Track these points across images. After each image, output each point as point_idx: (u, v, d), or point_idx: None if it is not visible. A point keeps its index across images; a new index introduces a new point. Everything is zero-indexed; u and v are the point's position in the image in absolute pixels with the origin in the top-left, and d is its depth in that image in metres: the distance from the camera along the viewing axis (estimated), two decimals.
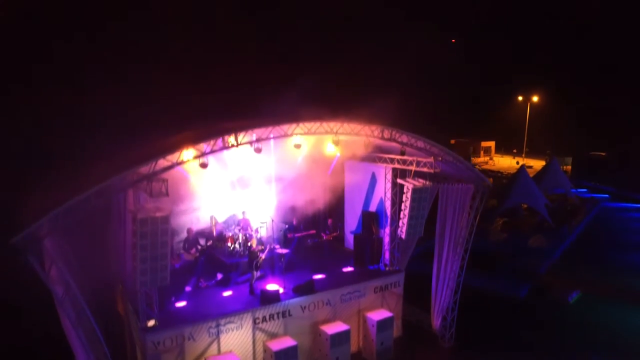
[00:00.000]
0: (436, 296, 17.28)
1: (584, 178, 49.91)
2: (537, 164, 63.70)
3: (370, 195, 18.18)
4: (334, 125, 12.67)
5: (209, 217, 17.71)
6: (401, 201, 16.03)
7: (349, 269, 17.38)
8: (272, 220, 17.46)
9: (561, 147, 68.53)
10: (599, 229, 32.98)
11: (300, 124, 12.04)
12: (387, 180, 17.07)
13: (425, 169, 15.29)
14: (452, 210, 16.84)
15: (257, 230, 17.41)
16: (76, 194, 9.71)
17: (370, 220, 17.85)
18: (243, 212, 17.63)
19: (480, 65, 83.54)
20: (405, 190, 15.63)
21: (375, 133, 13.50)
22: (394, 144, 14.51)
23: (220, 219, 17.90)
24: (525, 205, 33.85)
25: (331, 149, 14.68)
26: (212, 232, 17.65)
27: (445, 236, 16.87)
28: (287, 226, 18.35)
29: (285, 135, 12.06)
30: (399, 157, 15.67)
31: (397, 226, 16.46)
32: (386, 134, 13.80)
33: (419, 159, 15.25)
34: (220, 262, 16.41)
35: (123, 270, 13.56)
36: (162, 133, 14.51)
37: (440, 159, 14.93)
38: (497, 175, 57.52)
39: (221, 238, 17.16)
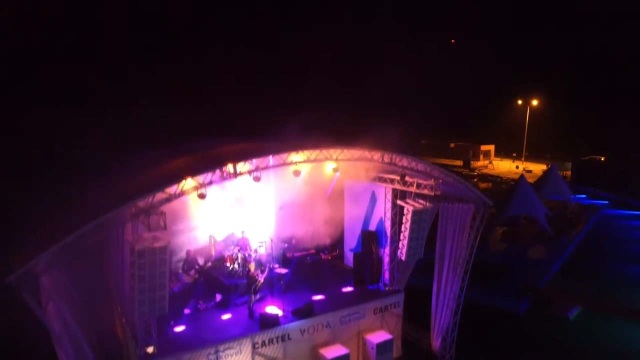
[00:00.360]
0: (436, 316, 17.20)
1: (584, 184, 49.84)
2: (537, 167, 63.70)
3: (370, 214, 18.07)
4: (333, 151, 12.56)
5: (207, 236, 17.61)
6: (401, 222, 15.94)
7: (349, 289, 17.28)
8: (271, 240, 17.35)
9: (561, 150, 68.64)
10: (598, 239, 32.92)
11: (300, 152, 11.92)
12: (387, 200, 16.95)
13: (425, 191, 15.17)
14: (452, 230, 16.74)
15: (255, 250, 17.32)
16: (72, 229, 9.58)
17: (370, 239, 17.75)
18: (242, 232, 17.53)
19: (480, 68, 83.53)
20: (405, 212, 15.54)
21: (375, 158, 13.40)
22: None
23: (219, 237, 17.80)
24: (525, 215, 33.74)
25: (331, 169, 14.58)
26: (211, 251, 17.56)
27: (445, 256, 16.77)
28: (286, 245, 18.25)
29: (285, 164, 11.95)
30: (399, 177, 15.55)
31: (397, 247, 16.36)
32: (386, 158, 13.70)
33: (419, 180, 15.14)
34: (219, 283, 16.30)
35: (122, 294, 13.44)
36: (159, 156, 14.40)
37: (440, 181, 14.82)
38: (496, 180, 57.46)
39: (220, 258, 17.06)
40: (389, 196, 16.75)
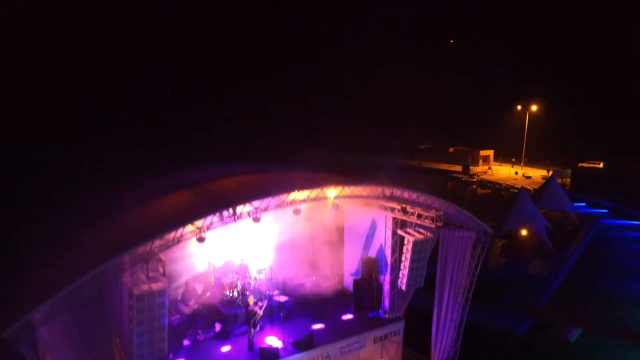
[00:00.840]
0: (436, 344, 17.10)
1: (583, 192, 49.84)
2: (536, 173, 63.71)
3: (370, 240, 17.95)
4: (333, 189, 12.44)
5: (205, 263, 17.48)
6: (401, 251, 15.84)
7: (349, 316, 17.17)
8: (271, 268, 17.24)
9: (560, 156, 68.63)
10: (598, 253, 32.85)
11: (299, 192, 11.80)
12: (387, 229, 16.81)
13: (427, 222, 15.06)
14: (452, 258, 16.63)
15: (255, 278, 17.20)
16: (70, 278, 9.46)
17: (370, 266, 17.62)
18: (241, 259, 17.41)
19: (479, 72, 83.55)
20: (405, 242, 15.44)
21: (376, 192, 13.28)
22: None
23: (218, 264, 17.68)
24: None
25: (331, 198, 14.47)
26: (210, 278, 17.44)
27: (446, 284, 16.66)
28: (285, 272, 18.13)
29: (285, 205, 11.83)
30: (399, 206, 15.43)
31: (397, 275, 16.26)
32: (387, 192, 13.59)
33: (420, 211, 15.03)
34: (218, 312, 16.18)
35: (122, 336, 13.29)
36: (158, 187, 14.25)
37: (441, 213, 14.72)
38: (495, 187, 57.39)
39: (219, 285, 16.94)
40: (389, 225, 16.62)
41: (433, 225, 14.82)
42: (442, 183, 62.67)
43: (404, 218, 15.66)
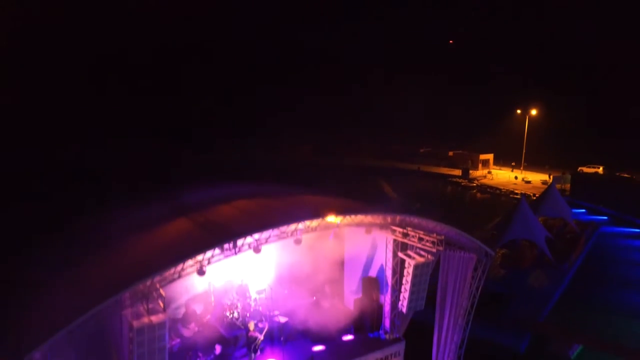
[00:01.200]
0: None
1: (582, 197, 49.84)
2: (536, 177, 63.68)
3: (371, 260, 17.90)
4: (336, 218, 12.38)
5: (205, 283, 17.38)
6: (402, 274, 15.78)
7: (349, 337, 17.13)
8: (270, 288, 17.18)
9: (560, 159, 68.63)
10: (598, 263, 32.83)
11: (301, 223, 11.74)
12: (388, 250, 16.76)
13: (427, 245, 15.00)
14: (453, 279, 16.60)
15: (255, 300, 17.13)
16: (69, 317, 9.40)
17: (371, 286, 17.60)
18: (241, 279, 17.34)
19: (478, 77, 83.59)
20: (406, 265, 15.39)
21: (379, 221, 13.22)
22: None
23: (217, 284, 17.59)
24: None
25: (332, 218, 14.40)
26: (210, 298, 17.36)
27: (446, 306, 16.64)
28: (286, 291, 18.06)
29: (286, 235, 11.77)
30: (400, 229, 15.38)
31: (398, 297, 16.21)
32: (390, 220, 13.53)
33: (422, 235, 14.97)
34: (219, 335, 16.12)
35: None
36: (157, 212, 14.17)
37: (442, 237, 14.66)
38: (495, 192, 57.32)
39: (219, 306, 16.87)
40: (390, 246, 16.55)
41: (434, 250, 14.77)
42: (441, 187, 62.76)
43: (405, 241, 15.60)
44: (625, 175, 63.34)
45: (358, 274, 18.51)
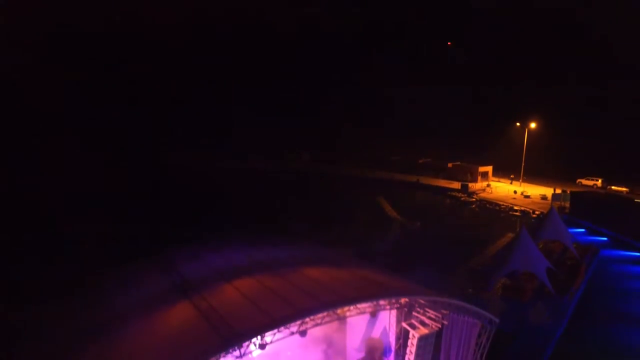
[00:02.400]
0: None
1: (582, 216, 49.86)
2: (535, 191, 63.63)
3: (374, 320, 17.73)
4: (341, 311, 12.19)
5: None
6: (405, 343, 15.65)
7: None
8: None
9: (559, 173, 68.62)
10: (599, 294, 32.74)
11: (307, 319, 11.55)
12: (391, 315, 16.61)
13: (432, 318, 14.87)
14: (456, 343, 16.45)
15: None
16: None
17: (374, 347, 17.42)
18: None
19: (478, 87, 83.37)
20: (410, 336, 15.25)
21: (388, 305, 13.04)
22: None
23: None
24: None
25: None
26: None
27: None
28: (289, 353, 17.86)
29: (293, 332, 11.57)
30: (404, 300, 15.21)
31: None
32: (402, 301, 13.35)
33: (427, 309, 14.83)
34: None
35: None
36: (156, 296, 13.89)
37: (447, 312, 14.52)
38: (495, 208, 57.18)
39: None
40: (394, 313, 16.42)
41: (439, 325, 14.64)
42: (440, 201, 62.67)
43: (408, 312, 15.48)
44: (623, 189, 63.57)
45: (361, 332, 18.34)
